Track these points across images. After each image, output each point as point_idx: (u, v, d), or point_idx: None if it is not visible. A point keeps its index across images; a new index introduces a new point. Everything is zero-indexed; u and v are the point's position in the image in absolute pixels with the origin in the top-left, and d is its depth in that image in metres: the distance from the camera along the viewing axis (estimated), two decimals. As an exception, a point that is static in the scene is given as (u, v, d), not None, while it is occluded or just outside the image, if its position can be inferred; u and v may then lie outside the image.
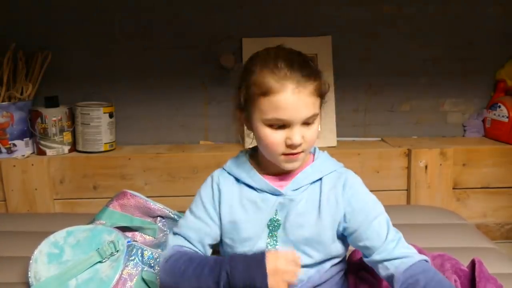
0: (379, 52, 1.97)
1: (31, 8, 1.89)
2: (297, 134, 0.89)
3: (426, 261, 0.92)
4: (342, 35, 1.94)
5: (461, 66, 1.98)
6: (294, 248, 0.94)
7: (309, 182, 0.96)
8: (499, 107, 1.92)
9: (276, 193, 0.96)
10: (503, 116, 1.90)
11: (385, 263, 0.91)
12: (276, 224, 0.95)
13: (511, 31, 1.96)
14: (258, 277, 0.83)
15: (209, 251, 0.99)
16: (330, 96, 1.87)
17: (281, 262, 0.84)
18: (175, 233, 0.99)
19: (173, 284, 0.92)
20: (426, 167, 1.82)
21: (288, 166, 0.93)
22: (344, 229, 0.95)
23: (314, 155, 1.02)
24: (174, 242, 0.98)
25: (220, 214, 0.97)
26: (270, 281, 0.83)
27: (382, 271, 0.92)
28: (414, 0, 1.93)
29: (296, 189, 0.96)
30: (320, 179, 0.97)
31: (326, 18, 1.94)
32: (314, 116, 0.91)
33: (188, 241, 0.97)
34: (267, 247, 0.95)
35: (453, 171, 1.83)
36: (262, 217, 0.96)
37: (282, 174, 0.97)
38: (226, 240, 0.98)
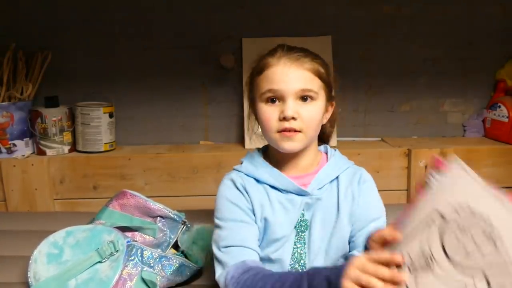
0: (379, 52, 1.97)
1: (31, 8, 1.89)
2: (290, 107, 0.89)
3: None
4: (342, 35, 1.94)
5: (461, 66, 1.98)
6: (319, 249, 0.94)
7: (330, 180, 0.97)
8: (499, 107, 1.92)
9: (302, 193, 0.95)
10: (503, 116, 1.90)
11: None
12: (303, 224, 0.95)
13: (511, 31, 1.96)
14: None
15: (259, 250, 0.94)
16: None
17: (361, 270, 0.72)
18: (223, 248, 0.91)
19: None
20: (426, 167, 1.82)
21: (285, 145, 0.91)
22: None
23: (327, 154, 1.02)
24: (231, 259, 0.89)
25: (254, 212, 0.94)
26: None
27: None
28: (414, 0, 1.93)
29: (320, 188, 0.96)
30: (337, 177, 0.98)
31: (326, 18, 1.94)
32: (309, 91, 0.90)
33: (245, 247, 0.90)
34: (294, 249, 0.94)
35: (453, 171, 1.83)
36: (291, 217, 0.95)
37: (300, 173, 0.97)
38: None
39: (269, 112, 0.91)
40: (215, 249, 0.93)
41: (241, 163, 1.01)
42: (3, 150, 1.80)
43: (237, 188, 0.96)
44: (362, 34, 1.95)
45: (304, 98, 0.90)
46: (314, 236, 0.94)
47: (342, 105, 1.96)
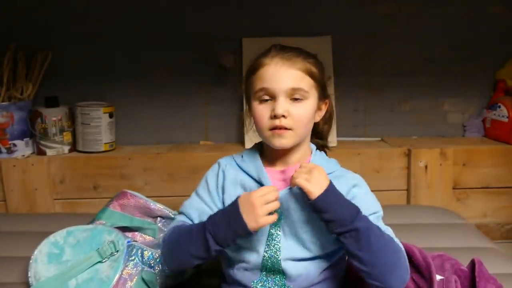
0: (379, 52, 1.97)
1: (31, 8, 1.89)
2: (280, 105, 0.91)
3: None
4: (342, 35, 1.94)
5: (461, 66, 1.98)
6: (296, 238, 0.95)
7: None
8: (499, 107, 1.92)
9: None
10: (503, 116, 1.90)
11: None
12: (278, 215, 0.95)
13: (511, 31, 1.96)
14: (239, 227, 0.86)
15: None
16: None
17: (253, 199, 0.86)
18: (180, 212, 1.02)
19: (174, 259, 0.96)
20: (426, 167, 1.82)
21: (276, 142, 0.93)
22: None
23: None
24: (175, 222, 1.01)
25: (223, 201, 0.99)
26: (250, 223, 0.86)
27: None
28: (414, 0, 1.93)
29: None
30: None
31: (326, 18, 1.94)
32: (301, 91, 0.92)
33: (189, 218, 1.00)
34: (269, 235, 0.95)
35: (453, 171, 1.83)
36: None
37: (284, 167, 0.98)
38: None
39: (261, 110, 0.93)
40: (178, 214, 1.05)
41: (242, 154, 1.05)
42: (3, 150, 1.80)
43: (218, 169, 1.03)
44: (362, 34, 1.95)
45: (295, 97, 0.92)
46: (289, 227, 0.95)
47: (342, 105, 1.96)
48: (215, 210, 0.98)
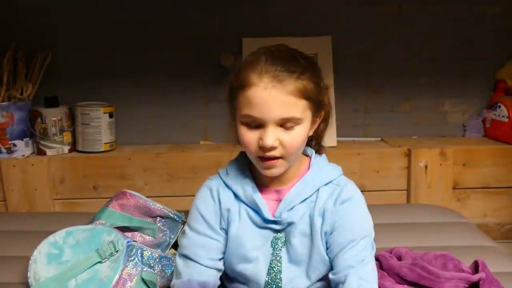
0: (379, 52, 1.97)
1: (31, 8, 1.89)
2: (270, 136, 0.82)
3: None
4: (342, 35, 1.94)
5: (461, 66, 1.98)
6: (297, 268, 0.91)
7: (301, 199, 0.90)
8: (499, 107, 1.92)
9: (272, 223, 0.90)
10: (503, 116, 1.90)
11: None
12: (279, 242, 0.91)
13: (511, 31, 1.96)
14: None
15: (221, 265, 0.94)
16: (330, 96, 1.87)
17: None
18: (182, 255, 0.93)
19: None
20: (426, 167, 1.82)
21: (266, 172, 0.87)
22: (326, 242, 0.90)
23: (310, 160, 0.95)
24: (184, 269, 0.92)
25: (224, 227, 0.93)
26: None
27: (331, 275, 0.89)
28: (414, 0, 1.93)
29: (290, 209, 0.90)
30: (318, 189, 0.91)
31: (326, 18, 1.94)
32: (293, 120, 0.83)
33: (197, 262, 0.91)
34: (270, 268, 0.91)
35: (453, 171, 1.83)
36: (266, 234, 0.91)
37: (281, 186, 0.92)
38: (228, 257, 0.93)
39: (249, 136, 0.84)
40: (177, 256, 0.95)
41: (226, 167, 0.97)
42: (3, 150, 1.80)
43: (212, 198, 0.94)
44: (362, 34, 1.95)
45: (286, 126, 0.83)
46: (290, 255, 0.90)
47: (342, 105, 1.96)
48: (220, 239, 0.92)
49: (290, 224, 0.90)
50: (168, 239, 1.26)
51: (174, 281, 0.94)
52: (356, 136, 2.02)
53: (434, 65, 1.98)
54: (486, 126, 2.00)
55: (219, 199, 0.93)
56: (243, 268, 0.92)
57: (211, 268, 0.92)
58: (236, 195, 0.93)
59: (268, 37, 1.86)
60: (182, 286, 0.91)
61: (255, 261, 0.91)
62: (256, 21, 1.93)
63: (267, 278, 0.91)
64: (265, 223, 0.91)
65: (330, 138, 1.89)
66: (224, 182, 0.94)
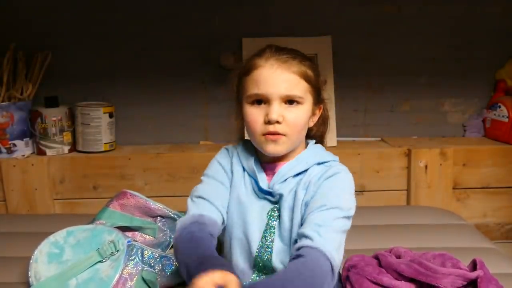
0: (379, 52, 1.97)
1: (31, 8, 1.89)
2: (275, 111, 0.89)
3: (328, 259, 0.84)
4: (342, 35, 1.94)
5: (461, 66, 1.98)
6: (284, 241, 0.94)
7: (293, 174, 0.95)
8: (499, 107, 1.92)
9: (267, 194, 0.96)
10: (503, 116, 1.90)
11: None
12: (274, 214, 0.96)
13: (511, 31, 1.96)
14: None
15: (225, 219, 0.98)
16: (330, 96, 1.87)
17: None
18: (195, 197, 0.97)
19: (177, 254, 0.92)
20: (426, 167, 1.82)
21: (269, 148, 0.92)
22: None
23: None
24: (194, 208, 0.95)
25: (230, 186, 0.99)
26: None
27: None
28: (414, 0, 1.93)
29: (283, 181, 0.95)
30: (306, 170, 0.96)
31: (326, 18, 1.94)
32: (296, 97, 0.90)
33: (211, 202, 0.95)
34: (264, 235, 0.95)
35: (453, 171, 1.83)
36: (264, 205, 0.97)
37: (277, 162, 0.97)
38: (229, 222, 0.98)
39: (255, 114, 0.91)
40: (188, 199, 0.98)
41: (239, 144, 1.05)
42: (3, 150, 1.80)
43: (229, 156, 1.02)
44: (362, 34, 1.95)
45: (289, 102, 0.91)
46: (281, 229, 0.94)
47: (342, 105, 1.96)
48: (228, 196, 0.98)
49: (281, 196, 0.95)
50: (168, 238, 1.26)
51: (183, 219, 0.94)
52: (356, 136, 2.02)
53: (434, 65, 1.98)
54: (486, 126, 2.00)
55: (231, 162, 1.01)
56: (240, 234, 0.96)
57: (220, 213, 0.96)
58: (241, 164, 1.00)
59: (268, 37, 1.86)
60: (192, 220, 0.92)
61: (252, 229, 0.95)
62: (256, 21, 1.93)
63: (258, 249, 0.95)
64: (262, 193, 0.96)
65: (330, 138, 1.89)
66: (236, 150, 1.03)
